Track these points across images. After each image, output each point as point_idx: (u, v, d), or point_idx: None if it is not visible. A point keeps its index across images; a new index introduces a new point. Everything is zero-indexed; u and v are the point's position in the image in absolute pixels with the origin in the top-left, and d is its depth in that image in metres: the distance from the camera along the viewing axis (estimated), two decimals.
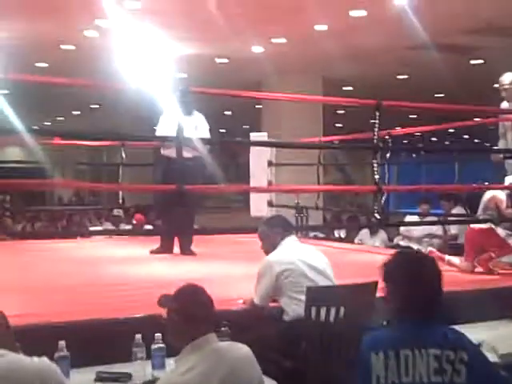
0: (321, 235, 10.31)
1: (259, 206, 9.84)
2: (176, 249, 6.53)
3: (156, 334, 3.26)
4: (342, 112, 16.90)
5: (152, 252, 6.49)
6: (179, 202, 4.93)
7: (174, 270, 5.55)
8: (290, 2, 7.88)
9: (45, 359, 2.40)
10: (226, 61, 11.44)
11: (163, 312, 3.66)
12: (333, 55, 9.93)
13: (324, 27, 9.05)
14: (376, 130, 4.71)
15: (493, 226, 5.52)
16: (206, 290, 2.71)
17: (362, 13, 8.35)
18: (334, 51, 9.61)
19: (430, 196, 8.35)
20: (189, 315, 2.58)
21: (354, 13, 8.35)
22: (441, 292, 2.46)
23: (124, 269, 5.63)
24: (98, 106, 16.88)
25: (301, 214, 10.18)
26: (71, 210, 12.74)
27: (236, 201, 14.66)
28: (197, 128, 6.09)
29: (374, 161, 4.84)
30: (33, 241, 8.19)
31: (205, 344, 2.53)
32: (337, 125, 19.03)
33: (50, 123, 19.39)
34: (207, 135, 6.23)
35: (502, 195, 5.59)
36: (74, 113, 18.39)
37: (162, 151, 6.40)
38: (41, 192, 19.81)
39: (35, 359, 2.34)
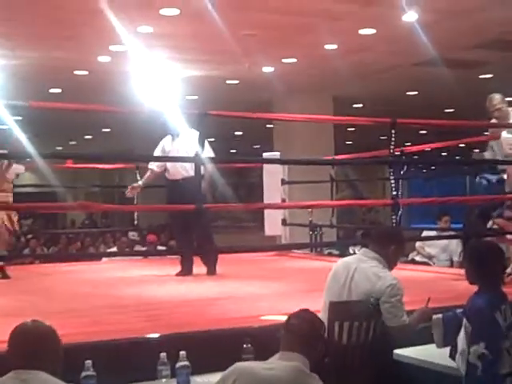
0: (335, 252, 10.30)
1: (273, 225, 9.90)
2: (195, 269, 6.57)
3: (180, 352, 3.30)
4: (353, 129, 16.96)
5: (177, 275, 6.48)
6: (197, 221, 4.97)
7: (194, 290, 5.59)
8: (300, 23, 7.97)
9: None
10: (236, 82, 11.55)
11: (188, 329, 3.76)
12: (343, 74, 10.02)
13: (334, 46, 9.13)
14: (392, 146, 4.77)
15: None
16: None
17: (371, 31, 8.43)
18: (344, 70, 9.70)
19: (448, 209, 8.32)
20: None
21: (363, 31, 8.44)
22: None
23: (143, 290, 5.66)
24: (109, 130, 17.03)
25: (315, 232, 10.23)
26: (88, 233, 12.80)
27: (246, 220, 14.69)
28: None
29: (391, 175, 4.89)
30: (49, 264, 8.24)
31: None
32: (347, 142, 19.08)
33: (61, 148, 19.54)
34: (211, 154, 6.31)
35: None
36: (86, 137, 18.55)
37: (167, 176, 6.51)
38: (53, 215, 19.84)
39: None
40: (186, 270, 6.46)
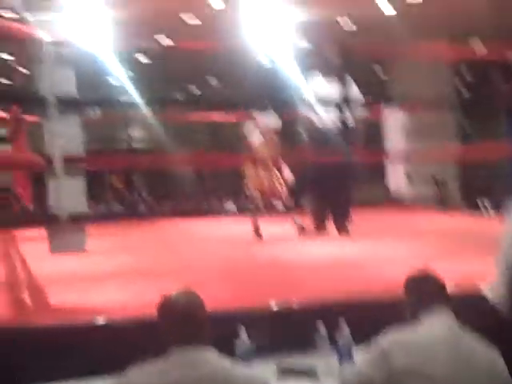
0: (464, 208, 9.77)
1: (397, 179, 9.51)
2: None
3: (340, 321, 2.88)
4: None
5: (305, 233, 5.98)
6: (342, 174, 4.51)
7: (335, 250, 5.13)
8: None
9: (257, 373, 2.19)
10: (353, 28, 10.86)
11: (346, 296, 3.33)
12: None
13: None
14: None
15: None
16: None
17: None
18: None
19: None
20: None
21: None
22: None
23: (278, 249, 5.26)
24: (215, 80, 16.66)
25: (439, 185, 9.76)
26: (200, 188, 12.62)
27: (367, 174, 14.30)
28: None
29: None
30: (166, 220, 7.97)
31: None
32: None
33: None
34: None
35: None
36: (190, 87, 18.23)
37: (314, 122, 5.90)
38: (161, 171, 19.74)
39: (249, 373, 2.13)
40: (320, 228, 5.96)
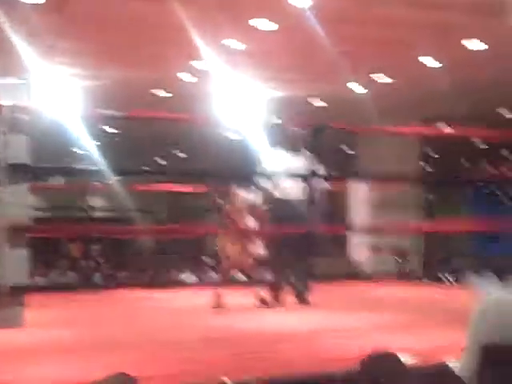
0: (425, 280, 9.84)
1: (358, 250, 9.54)
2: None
3: None
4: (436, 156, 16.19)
5: (266, 303, 5.85)
6: (303, 245, 4.42)
7: (290, 321, 4.99)
8: (399, 36, 7.41)
9: None
10: (323, 104, 11.01)
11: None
12: (440, 94, 9.36)
13: (435, 62, 8.48)
14: None
15: None
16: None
17: (481, 45, 7.75)
18: (443, 89, 9.03)
19: None
20: None
21: (471, 45, 7.80)
22: None
23: (232, 320, 5.09)
24: (184, 156, 16.72)
25: (401, 258, 9.84)
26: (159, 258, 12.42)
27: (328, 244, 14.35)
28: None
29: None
30: (122, 290, 7.75)
31: None
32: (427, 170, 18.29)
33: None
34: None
35: None
36: (159, 161, 18.28)
37: (277, 193, 5.85)
38: (120, 240, 19.52)
39: None
40: (277, 299, 5.88)
